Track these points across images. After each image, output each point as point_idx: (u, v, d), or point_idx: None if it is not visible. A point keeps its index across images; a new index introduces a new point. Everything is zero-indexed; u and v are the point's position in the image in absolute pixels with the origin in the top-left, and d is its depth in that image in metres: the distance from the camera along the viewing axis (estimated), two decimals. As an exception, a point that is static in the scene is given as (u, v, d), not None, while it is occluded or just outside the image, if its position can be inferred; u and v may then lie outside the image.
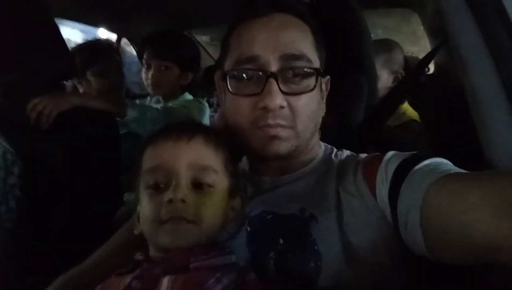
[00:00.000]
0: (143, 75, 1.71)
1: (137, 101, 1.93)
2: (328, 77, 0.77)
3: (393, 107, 1.11)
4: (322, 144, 0.81)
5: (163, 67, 1.63)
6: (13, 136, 1.10)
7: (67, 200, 1.15)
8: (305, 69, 0.68)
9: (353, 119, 1.05)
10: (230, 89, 0.69)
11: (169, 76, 1.64)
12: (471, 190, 0.50)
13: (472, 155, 0.75)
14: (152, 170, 0.62)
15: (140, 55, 1.76)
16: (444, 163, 0.61)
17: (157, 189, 0.61)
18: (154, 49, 1.65)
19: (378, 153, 0.71)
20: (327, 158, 0.76)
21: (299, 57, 0.67)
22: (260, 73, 0.66)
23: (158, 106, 1.63)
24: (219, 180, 0.63)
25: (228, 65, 0.72)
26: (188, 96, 1.75)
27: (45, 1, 1.14)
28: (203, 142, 0.63)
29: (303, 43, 0.69)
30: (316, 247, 0.62)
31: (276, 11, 0.70)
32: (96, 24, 2.04)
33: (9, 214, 1.08)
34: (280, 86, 0.65)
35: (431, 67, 1.62)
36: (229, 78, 0.70)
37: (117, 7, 1.89)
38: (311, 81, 0.68)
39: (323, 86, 0.76)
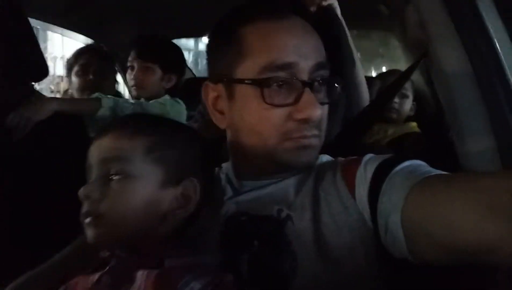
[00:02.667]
0: (127, 77, 1.71)
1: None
2: None
3: (370, 120, 1.11)
4: None
5: (145, 68, 1.63)
6: None
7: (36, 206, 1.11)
8: (333, 79, 0.67)
9: (329, 132, 1.05)
10: (266, 98, 0.62)
11: (151, 77, 1.63)
12: (455, 192, 0.50)
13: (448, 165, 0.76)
14: (88, 166, 0.61)
15: (120, 62, 1.77)
16: (423, 165, 0.60)
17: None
18: (137, 51, 1.65)
19: (356, 157, 0.70)
20: None
21: (326, 65, 0.66)
22: (295, 81, 0.62)
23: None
24: (135, 169, 0.58)
25: (248, 70, 0.64)
26: (168, 98, 1.74)
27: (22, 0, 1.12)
28: (116, 133, 0.60)
29: (324, 51, 0.68)
30: (291, 248, 0.60)
31: (294, 14, 0.67)
32: (73, 28, 2.01)
33: None
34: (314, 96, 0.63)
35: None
36: (255, 85, 0.63)
37: (94, 12, 1.89)
38: (334, 90, 0.68)
39: None
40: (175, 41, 2.02)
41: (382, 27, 2.12)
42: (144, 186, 0.58)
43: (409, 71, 1.05)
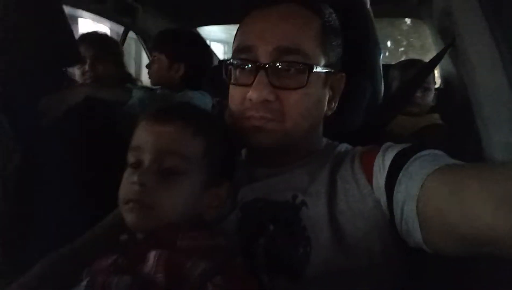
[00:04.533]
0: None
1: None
2: (342, 74, 0.74)
3: (395, 110, 1.10)
4: (325, 139, 0.79)
5: (153, 59, 1.69)
6: (18, 124, 1.10)
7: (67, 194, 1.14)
8: (296, 64, 0.65)
9: (351, 121, 1.04)
10: (228, 78, 0.70)
11: (158, 67, 1.68)
12: (470, 181, 0.49)
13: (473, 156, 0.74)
14: (132, 149, 0.62)
15: (150, 51, 1.79)
16: (441, 154, 0.60)
17: (132, 168, 0.61)
18: (154, 43, 1.73)
19: (375, 145, 0.69)
20: (326, 151, 0.75)
21: (294, 50, 0.65)
22: (252, 64, 0.66)
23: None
24: (191, 167, 0.60)
25: (231, 54, 0.72)
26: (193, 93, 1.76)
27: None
28: (179, 127, 0.61)
29: (302, 37, 0.66)
30: (306, 233, 0.61)
31: (286, 2, 0.68)
32: (103, 15, 2.04)
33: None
34: (271, 79, 0.64)
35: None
36: (227, 66, 0.70)
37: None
38: (304, 77, 0.65)
39: (335, 84, 0.73)
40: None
41: (411, 15, 2.07)
42: (193, 185, 0.60)
43: (435, 60, 1.03)
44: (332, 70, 0.70)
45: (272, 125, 0.66)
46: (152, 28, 2.07)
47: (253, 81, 0.64)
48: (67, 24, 1.20)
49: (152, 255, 0.52)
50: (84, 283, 0.54)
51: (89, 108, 1.26)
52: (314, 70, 0.65)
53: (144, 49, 2.15)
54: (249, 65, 0.66)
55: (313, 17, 0.69)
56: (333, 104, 0.75)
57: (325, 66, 0.68)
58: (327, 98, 0.73)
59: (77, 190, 1.12)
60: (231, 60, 0.70)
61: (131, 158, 0.61)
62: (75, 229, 0.78)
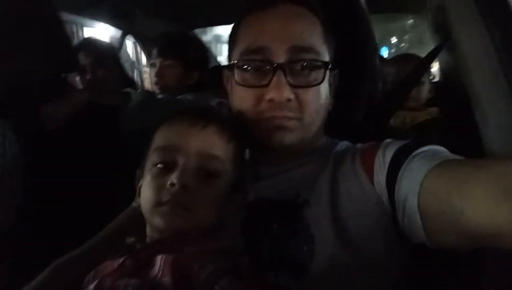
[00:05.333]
0: (150, 74, 1.71)
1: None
2: (337, 71, 0.76)
3: (394, 106, 1.10)
4: (325, 136, 0.80)
5: (166, 66, 1.62)
6: (20, 131, 1.10)
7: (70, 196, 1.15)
8: (314, 62, 0.67)
9: (351, 116, 1.05)
10: (237, 80, 0.69)
11: (173, 75, 1.63)
12: (471, 176, 0.50)
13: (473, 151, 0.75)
14: (162, 149, 0.61)
15: (148, 55, 1.74)
16: (441, 150, 0.60)
17: (162, 169, 0.60)
18: (158, 48, 1.65)
19: (375, 142, 0.70)
20: (327, 149, 0.75)
21: (308, 49, 0.67)
22: (268, 64, 0.66)
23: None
24: (225, 172, 0.62)
25: (235, 56, 0.71)
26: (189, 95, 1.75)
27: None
28: (217, 131, 0.62)
29: (312, 35, 0.68)
30: (310, 231, 0.62)
31: (285, 3, 0.69)
32: (100, 19, 2.04)
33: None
34: (288, 78, 0.65)
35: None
36: (236, 68, 0.69)
37: (123, 3, 1.90)
38: (320, 74, 0.68)
39: (332, 80, 0.75)
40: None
41: (410, 10, 2.07)
42: (225, 188, 0.62)
43: (432, 55, 1.03)
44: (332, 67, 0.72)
45: (293, 124, 0.67)
46: (150, 31, 2.06)
47: (270, 82, 0.65)
48: (64, 31, 1.21)
49: (159, 259, 0.52)
50: (92, 286, 0.54)
51: (90, 114, 1.26)
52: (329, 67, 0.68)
53: (144, 52, 2.14)
54: (268, 65, 0.66)
55: (313, 17, 0.70)
56: (332, 99, 0.76)
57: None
58: (332, 94, 0.75)
59: (81, 195, 1.13)
60: (239, 62, 0.69)
61: (157, 159, 0.61)
62: (80, 233, 0.79)
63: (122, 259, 0.56)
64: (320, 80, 0.68)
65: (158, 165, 0.60)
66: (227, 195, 0.62)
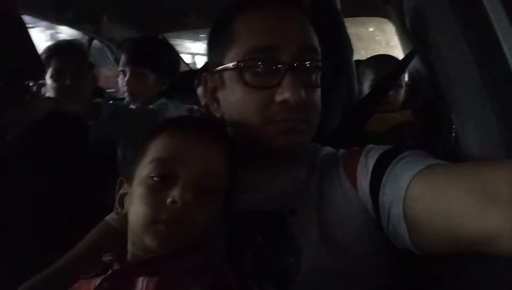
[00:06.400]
0: (120, 82, 1.65)
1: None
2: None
3: (371, 109, 1.10)
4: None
5: (137, 74, 1.58)
6: None
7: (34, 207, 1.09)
8: (318, 63, 0.66)
9: (329, 121, 1.05)
10: (247, 80, 0.63)
11: (145, 82, 1.59)
12: (456, 182, 0.49)
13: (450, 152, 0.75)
14: (161, 160, 0.57)
15: (117, 60, 1.68)
16: (424, 154, 0.60)
17: (159, 181, 0.55)
18: (128, 55, 1.59)
19: (357, 148, 0.69)
20: (311, 154, 0.74)
21: (314, 50, 0.66)
22: (277, 64, 0.62)
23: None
24: (221, 186, 0.59)
25: (234, 56, 0.65)
26: (164, 101, 1.71)
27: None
28: (222, 148, 0.60)
29: (314, 36, 0.68)
30: (295, 242, 0.60)
31: (283, 3, 0.66)
32: (65, 23, 1.97)
33: None
34: (297, 78, 0.62)
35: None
36: (241, 69, 0.63)
37: (89, 7, 1.84)
38: (319, 75, 0.67)
39: None
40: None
41: (378, 14, 2.10)
42: (221, 203, 0.59)
43: (408, 58, 1.04)
44: None
45: (303, 126, 0.65)
46: (117, 36, 2.01)
47: (281, 82, 0.61)
48: (28, 35, 1.15)
49: (140, 281, 0.49)
50: None
51: (53, 123, 1.19)
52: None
53: (114, 57, 2.08)
54: (279, 65, 0.62)
55: (306, 17, 0.69)
56: None
57: None
58: None
59: (44, 207, 1.08)
60: (248, 61, 0.63)
61: (154, 169, 0.56)
62: (47, 249, 0.74)
63: (99, 279, 0.52)
64: (320, 82, 0.67)
65: (155, 178, 0.56)
66: (220, 207, 0.60)
